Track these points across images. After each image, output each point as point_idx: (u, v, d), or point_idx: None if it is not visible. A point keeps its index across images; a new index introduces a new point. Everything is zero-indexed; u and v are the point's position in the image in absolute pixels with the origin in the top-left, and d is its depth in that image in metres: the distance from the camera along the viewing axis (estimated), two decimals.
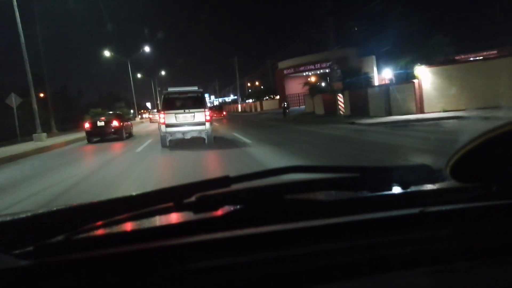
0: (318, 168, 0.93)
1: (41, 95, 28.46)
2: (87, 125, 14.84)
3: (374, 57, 28.23)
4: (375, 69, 27.27)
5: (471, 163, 0.76)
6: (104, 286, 0.66)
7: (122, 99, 55.52)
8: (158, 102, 64.60)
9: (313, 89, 27.29)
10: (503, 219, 0.84)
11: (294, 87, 43.84)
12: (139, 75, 54.25)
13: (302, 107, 40.62)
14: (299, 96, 43.53)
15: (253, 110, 50.48)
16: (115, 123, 14.73)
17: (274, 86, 54.27)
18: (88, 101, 50.73)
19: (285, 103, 25.52)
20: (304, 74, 43.69)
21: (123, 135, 15.11)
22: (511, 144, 0.69)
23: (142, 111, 66.31)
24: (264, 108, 47.80)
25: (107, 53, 35.24)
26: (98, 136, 14.91)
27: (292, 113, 25.50)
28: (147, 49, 36.80)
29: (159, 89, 60.33)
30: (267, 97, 53.57)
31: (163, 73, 60.01)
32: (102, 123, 14.71)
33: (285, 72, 43.52)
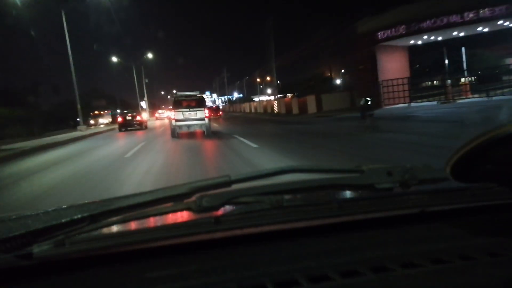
0: (318, 168, 0.94)
1: None
2: (119, 119, 23.58)
3: None
4: None
5: (471, 163, 0.76)
6: (103, 285, 0.65)
7: (105, 96, 50.12)
8: (145, 99, 52.29)
9: None
10: (503, 219, 0.86)
11: (394, 66, 22.97)
12: (114, 59, 42.71)
13: (421, 104, 19.94)
14: (408, 83, 22.47)
15: (295, 110, 28.32)
16: (138, 118, 23.33)
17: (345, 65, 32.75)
18: (67, 99, 43.41)
19: (367, 99, 13.30)
20: (414, 42, 22.83)
21: (143, 126, 23.42)
22: (511, 144, 0.69)
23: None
24: (324, 107, 25.89)
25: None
26: (127, 126, 22.59)
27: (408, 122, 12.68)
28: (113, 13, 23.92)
29: (146, 80, 48.71)
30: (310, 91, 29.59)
31: (150, 56, 49.26)
32: (130, 118, 23.02)
33: (379, 36, 21.81)
